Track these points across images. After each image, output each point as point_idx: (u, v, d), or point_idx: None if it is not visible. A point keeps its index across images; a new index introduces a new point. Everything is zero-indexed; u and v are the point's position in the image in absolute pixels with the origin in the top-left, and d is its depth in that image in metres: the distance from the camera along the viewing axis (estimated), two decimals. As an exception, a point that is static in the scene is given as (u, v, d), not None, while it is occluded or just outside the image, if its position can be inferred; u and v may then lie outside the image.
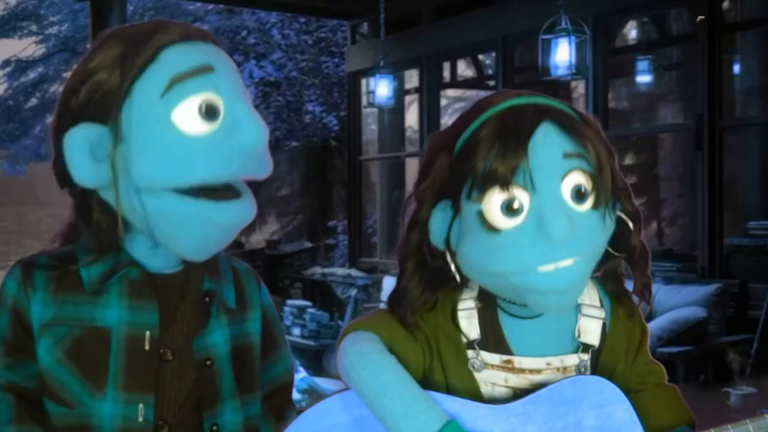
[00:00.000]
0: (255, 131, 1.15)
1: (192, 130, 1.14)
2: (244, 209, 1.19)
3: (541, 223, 1.08)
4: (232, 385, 1.25)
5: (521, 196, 1.09)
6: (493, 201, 1.09)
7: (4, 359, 1.18)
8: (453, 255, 1.15)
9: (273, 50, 13.04)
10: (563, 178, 1.10)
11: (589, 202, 1.11)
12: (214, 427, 1.22)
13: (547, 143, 1.10)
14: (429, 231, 1.15)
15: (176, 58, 1.15)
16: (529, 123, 1.10)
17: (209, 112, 1.14)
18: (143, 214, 1.16)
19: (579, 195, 1.10)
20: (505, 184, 1.08)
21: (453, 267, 1.15)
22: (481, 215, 1.10)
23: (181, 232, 1.17)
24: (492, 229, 1.09)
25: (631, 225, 1.17)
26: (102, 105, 1.15)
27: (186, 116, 1.13)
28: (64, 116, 1.18)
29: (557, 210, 1.08)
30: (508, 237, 1.09)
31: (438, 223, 1.15)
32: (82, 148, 1.14)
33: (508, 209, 1.09)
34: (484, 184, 1.09)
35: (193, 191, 1.15)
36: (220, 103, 1.15)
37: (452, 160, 1.14)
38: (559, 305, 1.15)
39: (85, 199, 1.20)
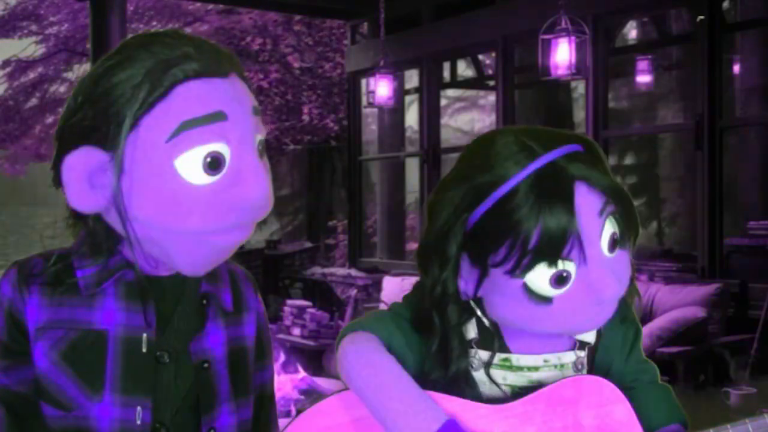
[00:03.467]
0: (257, 187, 1.11)
1: (194, 180, 1.10)
2: (242, 233, 1.16)
3: (593, 288, 1.08)
4: (228, 388, 1.24)
5: (568, 266, 1.07)
6: (541, 276, 1.07)
7: None
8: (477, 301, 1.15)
9: (273, 50, 13.03)
10: (601, 235, 1.09)
11: (620, 245, 1.11)
12: (211, 431, 1.22)
13: (586, 210, 1.07)
14: (457, 290, 1.12)
15: (189, 98, 1.10)
16: (567, 193, 1.06)
17: (213, 165, 1.10)
18: (137, 239, 1.15)
19: (613, 244, 1.10)
20: (554, 261, 1.06)
21: (480, 313, 1.16)
22: (526, 288, 1.08)
23: (176, 253, 1.16)
24: (541, 299, 1.08)
25: None
26: (107, 132, 1.11)
27: (189, 166, 1.10)
28: (67, 133, 1.14)
29: (607, 274, 1.08)
30: (560, 304, 1.08)
31: (466, 284, 1.13)
32: (81, 176, 1.11)
33: (557, 281, 1.07)
34: (530, 263, 1.06)
35: None
36: (226, 155, 1.11)
37: (474, 224, 1.09)
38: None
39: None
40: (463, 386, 1.15)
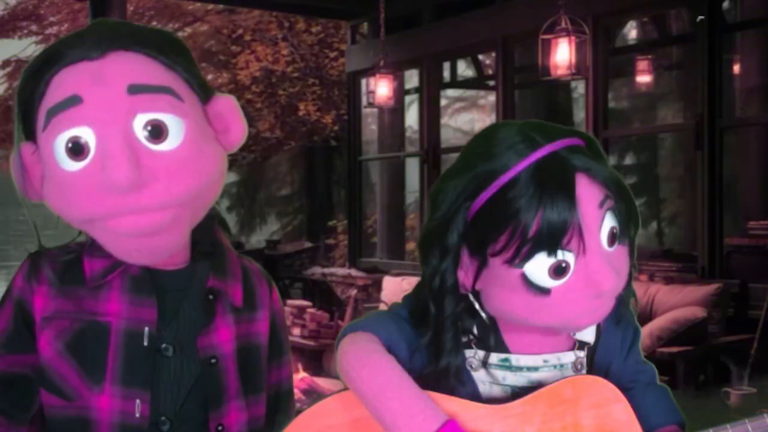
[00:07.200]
0: (115, 171, 1.09)
1: (66, 167, 1.13)
2: (141, 218, 1.12)
3: (591, 280, 1.07)
4: (237, 384, 1.24)
5: (568, 257, 1.07)
6: (540, 266, 1.07)
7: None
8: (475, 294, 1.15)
9: (273, 50, 13.02)
10: (601, 227, 1.09)
11: (620, 239, 1.12)
12: (219, 427, 1.22)
13: (586, 201, 1.07)
14: (456, 281, 1.12)
15: (54, 88, 1.14)
16: (569, 183, 1.06)
17: (75, 150, 1.11)
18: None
19: (613, 238, 1.11)
20: (553, 251, 1.06)
21: (478, 306, 1.15)
22: (524, 278, 1.08)
23: (101, 242, 1.18)
24: (539, 290, 1.08)
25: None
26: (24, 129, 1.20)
27: (59, 153, 1.12)
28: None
29: (605, 266, 1.08)
30: (559, 295, 1.08)
31: (465, 275, 1.12)
32: (18, 167, 1.19)
33: (556, 272, 1.07)
34: (529, 252, 1.06)
35: None
36: (90, 139, 1.11)
37: (476, 213, 1.09)
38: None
39: None
40: (453, 383, 1.15)
